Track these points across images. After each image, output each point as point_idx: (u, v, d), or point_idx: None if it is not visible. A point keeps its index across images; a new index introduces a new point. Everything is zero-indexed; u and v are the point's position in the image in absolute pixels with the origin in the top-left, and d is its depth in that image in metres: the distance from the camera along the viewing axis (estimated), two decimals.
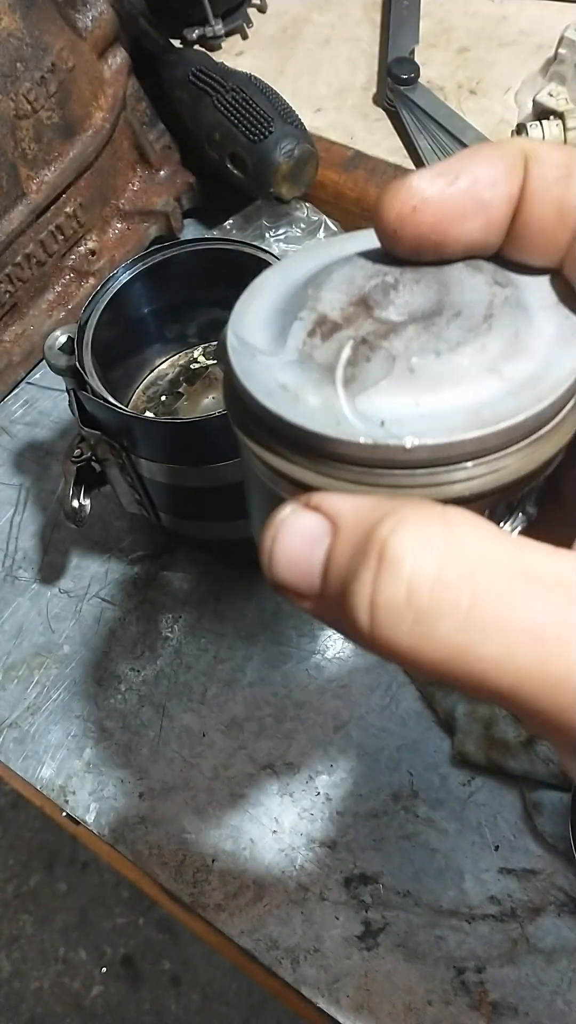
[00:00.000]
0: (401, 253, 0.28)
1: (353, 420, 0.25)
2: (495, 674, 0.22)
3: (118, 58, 0.68)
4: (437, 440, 0.24)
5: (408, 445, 0.24)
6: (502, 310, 0.27)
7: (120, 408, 0.48)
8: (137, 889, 0.51)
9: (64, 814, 0.54)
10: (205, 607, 0.58)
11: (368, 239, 0.29)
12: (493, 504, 0.26)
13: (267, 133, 0.64)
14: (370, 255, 0.29)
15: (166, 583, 0.59)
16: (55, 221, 0.66)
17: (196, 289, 0.56)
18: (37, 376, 0.69)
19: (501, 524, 0.28)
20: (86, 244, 0.69)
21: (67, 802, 0.53)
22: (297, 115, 0.66)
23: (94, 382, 0.49)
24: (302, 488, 0.26)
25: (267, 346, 0.28)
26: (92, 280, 0.69)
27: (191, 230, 0.74)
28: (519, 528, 0.29)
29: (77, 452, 0.53)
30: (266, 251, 0.51)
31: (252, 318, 0.29)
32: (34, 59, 0.61)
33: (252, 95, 0.66)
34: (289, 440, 0.25)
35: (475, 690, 0.22)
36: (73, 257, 0.69)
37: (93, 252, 0.69)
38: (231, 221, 0.70)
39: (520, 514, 0.29)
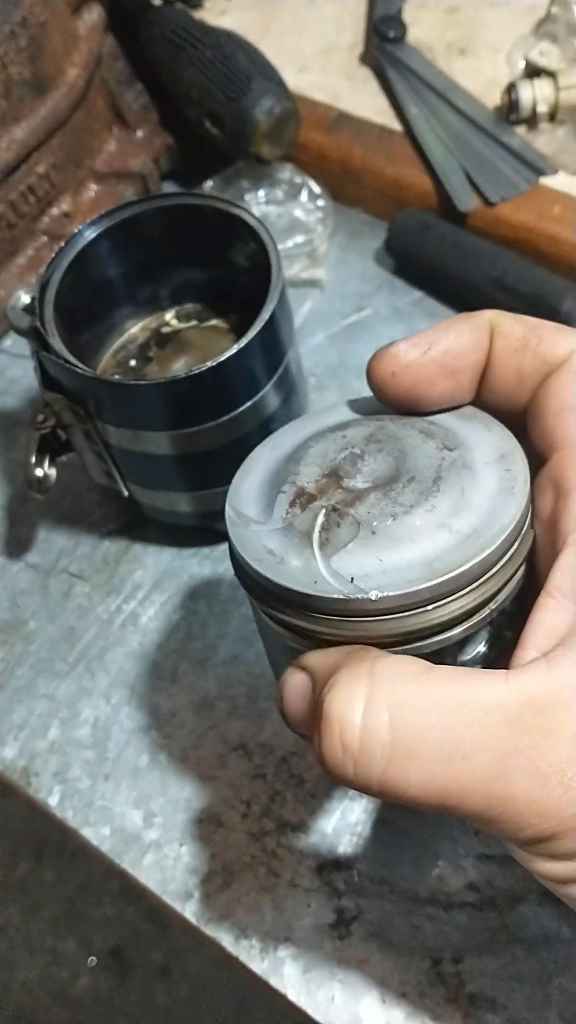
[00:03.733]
0: (387, 405, 0.35)
1: (328, 578, 0.30)
2: (424, 796, 0.27)
3: (94, 14, 0.66)
4: (398, 591, 0.29)
5: (374, 597, 0.29)
6: (449, 472, 0.32)
7: (82, 369, 0.45)
8: (128, 878, 0.49)
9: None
10: (177, 583, 0.56)
11: (343, 412, 0.37)
12: (456, 636, 0.31)
13: (246, 90, 0.61)
14: (344, 426, 0.35)
15: (137, 558, 0.57)
16: (26, 181, 0.63)
17: (167, 248, 0.53)
18: (8, 343, 0.67)
19: (471, 648, 0.33)
20: (60, 206, 0.66)
21: (30, 784, 0.51)
22: (278, 72, 0.64)
23: (55, 342, 0.47)
24: (298, 632, 0.32)
25: (258, 516, 0.34)
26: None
27: (172, 191, 0.71)
28: (484, 651, 0.33)
29: (41, 418, 0.51)
30: (237, 206, 0.49)
31: (246, 491, 0.35)
32: (3, 12, 0.58)
33: (231, 52, 0.63)
34: (279, 597, 0.31)
35: (422, 808, 0.28)
36: (46, 219, 0.66)
37: (67, 215, 0.67)
38: (210, 183, 0.68)
39: (484, 640, 0.33)
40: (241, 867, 0.48)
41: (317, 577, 0.31)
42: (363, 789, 0.28)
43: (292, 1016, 0.46)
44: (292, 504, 0.34)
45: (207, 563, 0.56)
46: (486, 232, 0.62)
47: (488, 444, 0.33)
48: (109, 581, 0.56)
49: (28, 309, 0.50)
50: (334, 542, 0.32)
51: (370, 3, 0.72)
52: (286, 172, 0.66)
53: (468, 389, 0.34)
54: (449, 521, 0.31)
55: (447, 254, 0.61)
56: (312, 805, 0.49)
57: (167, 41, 0.66)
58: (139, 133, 0.69)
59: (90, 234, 0.50)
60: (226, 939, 0.46)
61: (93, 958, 1.65)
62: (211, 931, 0.47)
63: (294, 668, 0.31)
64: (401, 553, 0.30)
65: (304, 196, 0.66)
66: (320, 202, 0.66)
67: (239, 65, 0.62)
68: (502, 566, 0.31)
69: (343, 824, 0.48)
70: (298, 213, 0.66)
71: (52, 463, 0.52)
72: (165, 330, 0.55)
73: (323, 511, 0.32)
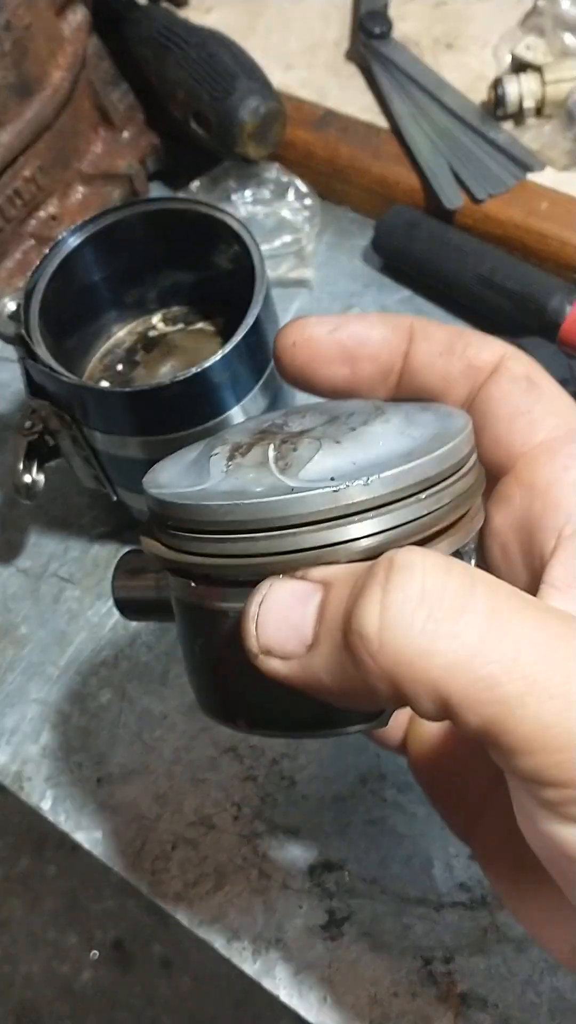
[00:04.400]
0: (283, 378, 0.33)
1: (304, 485, 0.25)
2: (505, 677, 0.22)
3: (78, 15, 0.65)
4: (390, 472, 0.25)
5: (367, 482, 0.25)
6: (386, 406, 0.30)
7: (67, 376, 0.45)
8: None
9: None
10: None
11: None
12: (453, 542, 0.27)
13: (231, 90, 0.61)
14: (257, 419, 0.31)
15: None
16: (13, 185, 0.63)
17: (152, 252, 0.53)
18: None
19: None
20: (47, 209, 0.66)
21: (22, 788, 0.51)
22: (263, 71, 0.63)
23: (40, 350, 0.47)
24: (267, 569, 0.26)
25: (193, 483, 0.28)
26: None
27: (156, 193, 0.71)
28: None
29: (28, 424, 0.51)
30: (220, 209, 0.49)
31: (167, 476, 0.29)
32: None
33: (215, 51, 0.63)
34: (244, 536, 0.25)
35: (476, 706, 0.23)
36: (33, 222, 0.66)
37: (54, 217, 0.66)
38: (197, 183, 0.67)
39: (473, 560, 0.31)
40: (233, 869, 0.48)
41: (293, 485, 0.26)
42: (420, 654, 0.23)
43: (292, 1011, 0.46)
44: (231, 457, 0.28)
45: None
46: (474, 229, 0.62)
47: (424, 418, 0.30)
48: (99, 584, 0.56)
49: (14, 316, 0.50)
50: (296, 462, 0.27)
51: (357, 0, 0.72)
52: (272, 171, 0.66)
53: (368, 384, 0.33)
54: (407, 430, 0.28)
55: (435, 252, 0.61)
56: (303, 806, 0.49)
57: (152, 40, 0.66)
58: (125, 134, 0.69)
59: (74, 241, 0.50)
60: (218, 941, 0.46)
61: (95, 952, 1.66)
62: (203, 933, 0.47)
63: (282, 577, 0.26)
64: (374, 452, 0.27)
65: (291, 195, 0.66)
66: (307, 201, 0.66)
67: (224, 65, 0.62)
68: (472, 465, 0.29)
69: (334, 825, 0.48)
70: (285, 212, 0.66)
71: (40, 469, 0.52)
72: (152, 334, 0.55)
73: (272, 445, 0.28)
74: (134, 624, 0.55)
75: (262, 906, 0.47)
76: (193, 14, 0.73)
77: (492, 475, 0.31)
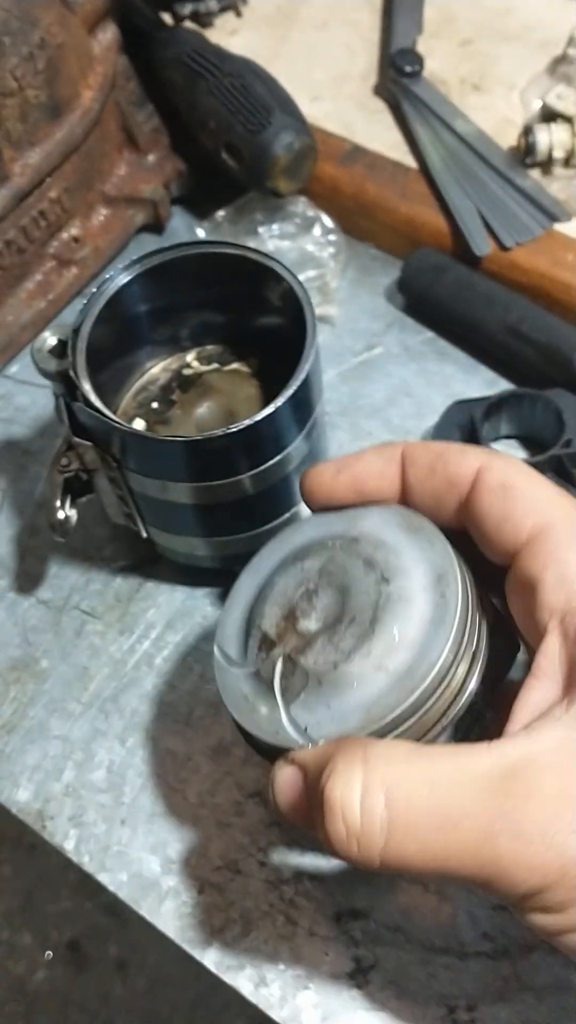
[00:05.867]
0: (313, 510, 0.42)
1: (288, 729, 0.37)
2: (421, 866, 0.31)
3: (108, 34, 0.65)
4: (340, 733, 0.35)
5: (319, 743, 0.36)
6: (385, 610, 0.37)
7: (119, 423, 0.45)
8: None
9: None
10: (191, 623, 0.56)
11: (311, 530, 0.42)
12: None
13: (266, 124, 0.61)
14: (304, 554, 0.41)
15: (150, 596, 0.57)
16: (38, 206, 0.62)
17: (190, 291, 0.53)
18: (13, 369, 0.66)
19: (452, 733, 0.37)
20: (69, 231, 0.65)
21: (44, 827, 0.51)
22: (296, 105, 0.63)
23: (90, 393, 0.46)
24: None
25: (237, 656, 0.41)
26: (75, 269, 0.66)
27: (178, 219, 0.71)
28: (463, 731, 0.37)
29: (65, 461, 0.50)
30: (274, 259, 0.49)
31: (230, 628, 0.42)
32: (22, 33, 0.57)
33: (250, 82, 0.63)
34: (252, 737, 0.39)
35: (422, 878, 0.39)
36: (55, 244, 0.65)
37: (76, 239, 0.66)
38: (222, 213, 0.67)
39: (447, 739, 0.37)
40: (259, 915, 0.48)
41: (279, 727, 0.37)
42: (366, 866, 0.31)
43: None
44: (259, 648, 0.40)
45: (220, 604, 0.56)
46: (500, 276, 0.62)
47: (428, 564, 0.37)
48: (122, 619, 0.56)
49: (54, 351, 0.50)
50: (291, 690, 0.38)
51: (384, 32, 0.72)
52: (299, 205, 0.66)
53: (379, 500, 0.40)
54: (384, 662, 0.36)
55: (461, 296, 0.62)
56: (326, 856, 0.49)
57: (182, 64, 0.65)
58: (150, 157, 0.68)
59: (123, 278, 0.49)
60: (246, 987, 0.47)
61: (49, 952, 1.65)
62: (230, 979, 0.47)
63: (283, 763, 0.35)
64: (344, 699, 0.36)
65: (317, 230, 0.66)
66: (332, 236, 0.66)
67: (259, 96, 0.62)
68: (436, 699, 0.35)
69: (360, 873, 0.49)
70: (310, 247, 0.66)
71: (73, 504, 0.52)
72: (187, 372, 0.55)
73: (281, 659, 0.38)
74: (157, 661, 0.55)
75: (289, 953, 0.47)
76: (216, 36, 0.72)
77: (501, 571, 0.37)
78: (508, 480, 0.36)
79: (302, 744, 0.36)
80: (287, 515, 0.52)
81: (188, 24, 0.73)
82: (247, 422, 0.44)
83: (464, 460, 0.37)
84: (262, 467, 0.47)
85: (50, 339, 0.50)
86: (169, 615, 0.56)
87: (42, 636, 0.56)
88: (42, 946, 1.68)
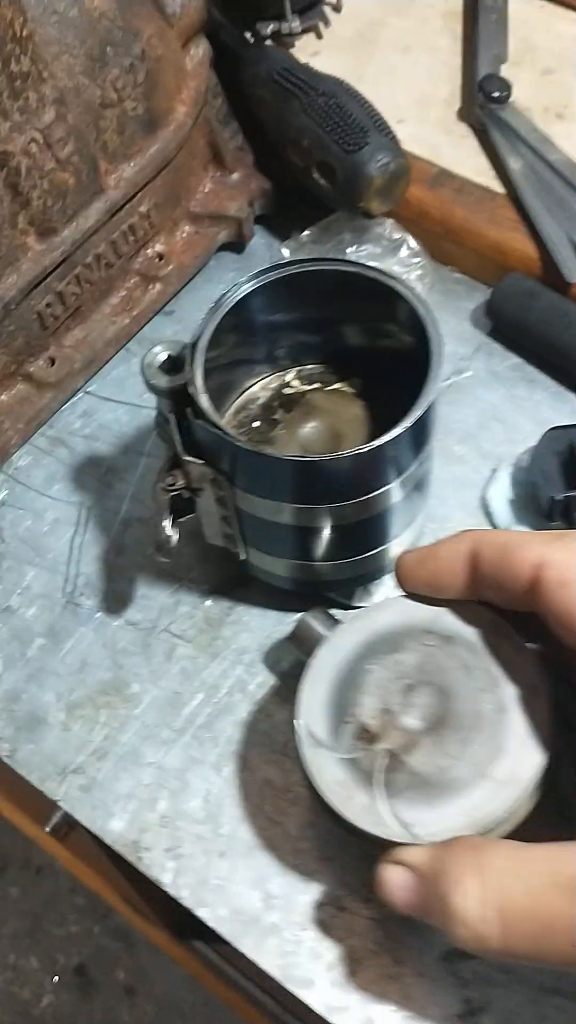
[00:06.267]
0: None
1: (389, 823, 0.40)
2: (531, 959, 0.36)
3: (200, 49, 0.64)
4: (446, 833, 0.38)
5: (426, 843, 0.38)
6: (487, 720, 0.40)
7: (241, 442, 0.44)
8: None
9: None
10: (284, 648, 0.54)
11: (395, 614, 0.45)
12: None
13: (361, 144, 0.60)
14: (397, 645, 0.44)
15: (241, 619, 0.56)
16: (129, 220, 0.61)
17: (303, 310, 0.52)
18: (94, 386, 0.65)
19: None
20: (154, 247, 0.65)
21: (140, 859, 0.49)
22: (389, 125, 0.63)
23: (210, 410, 0.45)
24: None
25: (326, 738, 0.43)
26: (158, 286, 0.65)
27: (258, 238, 0.70)
28: None
29: (169, 480, 0.49)
30: (391, 275, 0.48)
31: (314, 706, 0.44)
32: (124, 44, 0.57)
33: (345, 102, 0.62)
34: (346, 822, 0.41)
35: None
36: (140, 260, 0.64)
37: (161, 256, 0.65)
38: (308, 232, 0.66)
39: None
40: (365, 954, 0.47)
41: (379, 820, 0.40)
42: (488, 957, 0.39)
43: None
44: (357, 738, 0.42)
45: None
46: None
47: (520, 673, 0.41)
48: (213, 643, 0.55)
49: (164, 367, 0.49)
50: (394, 786, 0.40)
51: (466, 59, 0.72)
52: (386, 227, 0.65)
53: (459, 590, 0.43)
54: (488, 770, 0.39)
55: (552, 324, 0.61)
56: None
57: (272, 82, 0.65)
58: (235, 175, 0.67)
59: (242, 293, 0.49)
60: None
61: (56, 977, 1.62)
62: (337, 1020, 0.46)
63: (390, 863, 0.39)
64: (448, 803, 0.39)
65: (403, 252, 0.65)
66: (417, 259, 0.65)
67: (354, 116, 0.61)
68: (533, 800, 0.40)
69: None
70: (396, 269, 0.65)
71: (175, 524, 0.50)
72: (288, 391, 0.54)
73: (384, 755, 0.41)
74: (251, 688, 0.54)
75: (398, 993, 0.46)
76: (299, 56, 0.72)
77: None
78: (567, 577, 0.38)
79: (408, 841, 0.39)
80: (390, 543, 0.51)
81: (270, 43, 0.72)
82: (377, 442, 0.43)
83: (525, 555, 0.39)
84: (379, 490, 0.46)
85: (161, 354, 0.49)
86: (261, 640, 0.55)
87: (132, 659, 0.55)
88: (49, 970, 1.65)
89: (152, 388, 0.48)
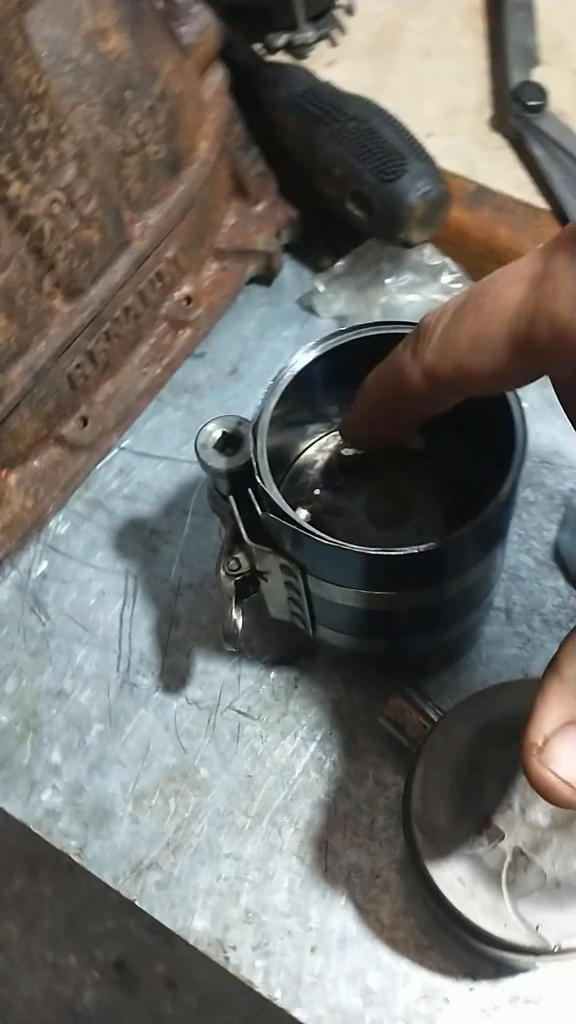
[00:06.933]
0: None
1: (516, 923, 0.38)
2: None
3: (218, 75, 0.60)
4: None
5: (555, 950, 0.38)
6: None
7: (324, 539, 0.41)
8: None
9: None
10: (358, 722, 0.52)
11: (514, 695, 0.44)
12: None
13: (400, 171, 0.57)
14: (517, 731, 0.37)
15: (309, 692, 0.53)
16: (155, 268, 0.58)
17: (354, 371, 0.48)
18: (128, 441, 0.61)
19: None
20: (181, 290, 0.61)
21: (228, 959, 0.47)
22: (426, 149, 0.59)
23: (281, 502, 0.42)
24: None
25: (445, 831, 0.41)
26: (188, 330, 0.61)
27: (287, 267, 0.66)
28: None
29: (233, 565, 0.47)
30: None
31: (432, 798, 0.42)
32: (143, 86, 0.53)
33: (377, 126, 0.58)
34: (467, 924, 0.40)
35: None
36: (168, 305, 0.61)
37: (189, 299, 0.61)
38: (341, 264, 0.63)
39: None
40: None
41: (505, 922, 0.38)
42: None
43: None
44: (479, 832, 0.40)
45: (387, 696, 0.52)
46: None
47: None
48: (282, 720, 0.53)
49: (219, 445, 0.46)
50: (520, 885, 0.39)
51: (494, 60, 0.68)
52: (424, 253, 0.62)
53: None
54: None
55: None
56: (544, 974, 0.46)
57: (295, 106, 0.61)
58: (259, 206, 0.64)
59: (298, 367, 0.45)
60: None
61: (96, 973, 1.63)
62: None
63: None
64: None
65: (444, 278, 0.62)
66: (459, 284, 0.62)
67: (389, 142, 0.57)
68: None
69: None
70: (437, 296, 0.62)
71: (239, 604, 0.48)
72: (347, 452, 0.51)
73: (511, 852, 0.40)
74: (327, 766, 0.51)
75: None
76: (313, 67, 0.68)
77: None
78: None
79: (536, 945, 0.38)
80: (471, 615, 0.49)
81: (282, 56, 0.68)
82: (465, 530, 0.40)
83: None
84: (464, 573, 0.44)
85: (215, 432, 0.46)
86: (333, 713, 0.52)
87: (197, 741, 0.52)
88: (89, 967, 1.65)
89: (208, 470, 0.45)
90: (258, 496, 0.43)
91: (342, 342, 0.46)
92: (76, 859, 0.50)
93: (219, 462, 0.45)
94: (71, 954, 1.67)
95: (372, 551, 0.40)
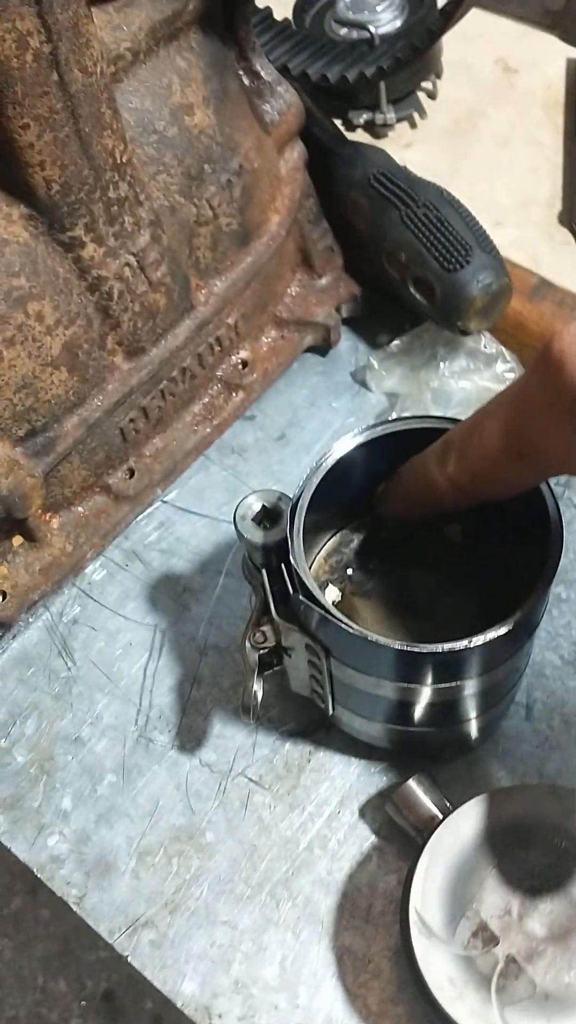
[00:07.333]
0: None
1: None
2: None
3: (295, 152, 0.62)
4: None
5: None
6: None
7: (351, 627, 0.41)
8: None
9: None
10: (367, 803, 0.52)
11: (521, 802, 0.45)
12: None
13: (464, 263, 0.58)
14: (527, 840, 0.43)
15: (323, 767, 0.53)
16: (216, 333, 0.59)
17: (398, 458, 0.49)
18: (171, 495, 0.63)
19: None
20: (239, 354, 0.62)
21: None
22: (492, 241, 0.60)
23: (307, 579, 0.43)
24: None
25: (440, 929, 0.42)
26: (241, 394, 0.63)
27: (345, 339, 0.67)
28: None
29: (259, 637, 0.47)
30: None
31: (430, 895, 0.43)
32: (222, 160, 0.54)
33: (447, 214, 0.59)
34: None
35: None
36: (224, 367, 0.62)
37: (245, 363, 0.62)
38: (398, 342, 0.64)
39: None
40: None
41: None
42: None
43: None
44: (475, 935, 0.41)
45: (397, 777, 0.53)
46: None
47: None
48: (292, 792, 0.53)
49: (258, 518, 0.47)
50: (510, 993, 0.39)
51: (568, 156, 0.69)
52: (481, 339, 0.63)
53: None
54: None
55: None
56: None
57: (369, 187, 0.62)
58: (323, 279, 0.65)
59: (342, 453, 0.46)
60: None
61: (84, 1002, 1.62)
62: None
63: None
64: (566, 1018, 0.38)
65: (499, 367, 0.62)
66: (514, 375, 0.62)
67: (457, 231, 0.58)
68: None
69: None
70: (490, 384, 0.62)
71: (260, 676, 0.48)
72: (385, 535, 0.52)
73: (504, 959, 0.40)
74: (332, 844, 0.51)
75: None
76: (391, 147, 0.69)
77: None
78: None
79: None
80: (492, 711, 0.49)
81: (362, 133, 0.69)
82: (494, 633, 0.40)
83: None
84: (488, 672, 0.44)
85: (255, 504, 0.47)
86: (343, 791, 0.53)
87: (206, 804, 0.53)
88: (77, 995, 1.65)
89: (245, 541, 0.46)
90: (290, 575, 0.44)
91: (385, 432, 0.46)
92: (75, 908, 0.51)
93: (256, 535, 0.46)
94: (62, 979, 1.67)
95: (397, 645, 0.41)
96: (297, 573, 0.43)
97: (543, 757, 0.53)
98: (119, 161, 0.48)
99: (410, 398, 0.62)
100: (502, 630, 0.41)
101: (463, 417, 0.58)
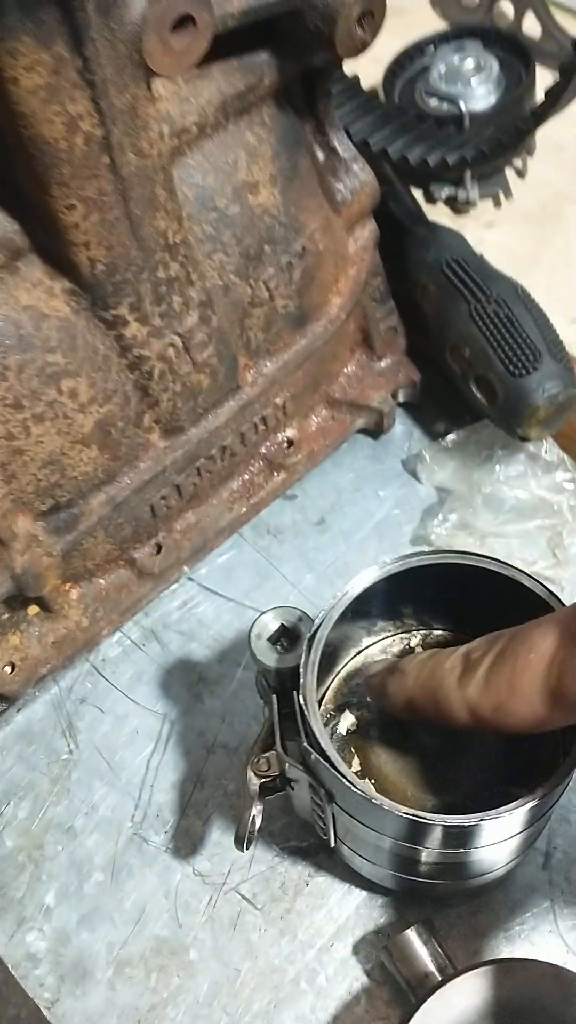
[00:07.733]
0: None
1: None
2: None
3: (366, 230, 0.58)
4: None
5: None
6: None
7: (357, 789, 0.38)
8: None
9: None
10: (362, 939, 0.49)
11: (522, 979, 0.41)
12: None
13: (531, 368, 0.54)
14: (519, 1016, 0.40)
15: (321, 893, 0.50)
16: (262, 412, 0.56)
17: (426, 587, 0.46)
18: (203, 572, 0.60)
19: None
20: (284, 433, 0.60)
21: None
22: (565, 347, 0.56)
23: (316, 726, 0.40)
24: None
25: None
26: (283, 474, 0.60)
27: (399, 422, 0.64)
28: None
29: (263, 765, 0.44)
30: (531, 577, 0.42)
31: None
32: (284, 241, 0.51)
33: (519, 315, 0.56)
34: None
35: None
36: (267, 444, 0.59)
37: (291, 442, 0.60)
38: (453, 436, 0.60)
39: None
40: None
41: None
42: None
43: None
44: None
45: (399, 918, 0.49)
46: None
47: None
48: (285, 916, 0.50)
49: (274, 638, 0.44)
50: None
51: None
52: (543, 445, 0.59)
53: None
54: None
55: None
56: None
57: (441, 273, 0.59)
58: (383, 362, 0.62)
59: (364, 585, 0.43)
60: None
61: None
62: None
63: None
64: None
65: (558, 475, 0.59)
66: (573, 485, 0.59)
67: (527, 335, 0.55)
68: None
69: None
70: (544, 493, 0.58)
71: (260, 801, 0.45)
72: None
73: None
74: (320, 980, 0.48)
75: None
76: (471, 226, 0.66)
77: None
78: None
79: None
80: (503, 866, 0.45)
81: (442, 207, 0.66)
82: (509, 812, 0.37)
83: None
84: (492, 844, 0.41)
85: (271, 624, 0.44)
86: (339, 923, 0.50)
87: (194, 918, 0.50)
88: None
89: (259, 663, 0.43)
90: (301, 717, 0.41)
91: (406, 567, 0.43)
92: (45, 1012, 0.49)
93: (270, 658, 0.43)
94: None
95: (407, 814, 0.38)
96: (307, 718, 0.40)
97: (557, 914, 0.49)
98: (171, 242, 0.46)
99: (461, 499, 0.58)
100: (518, 809, 0.37)
101: (513, 526, 0.55)
